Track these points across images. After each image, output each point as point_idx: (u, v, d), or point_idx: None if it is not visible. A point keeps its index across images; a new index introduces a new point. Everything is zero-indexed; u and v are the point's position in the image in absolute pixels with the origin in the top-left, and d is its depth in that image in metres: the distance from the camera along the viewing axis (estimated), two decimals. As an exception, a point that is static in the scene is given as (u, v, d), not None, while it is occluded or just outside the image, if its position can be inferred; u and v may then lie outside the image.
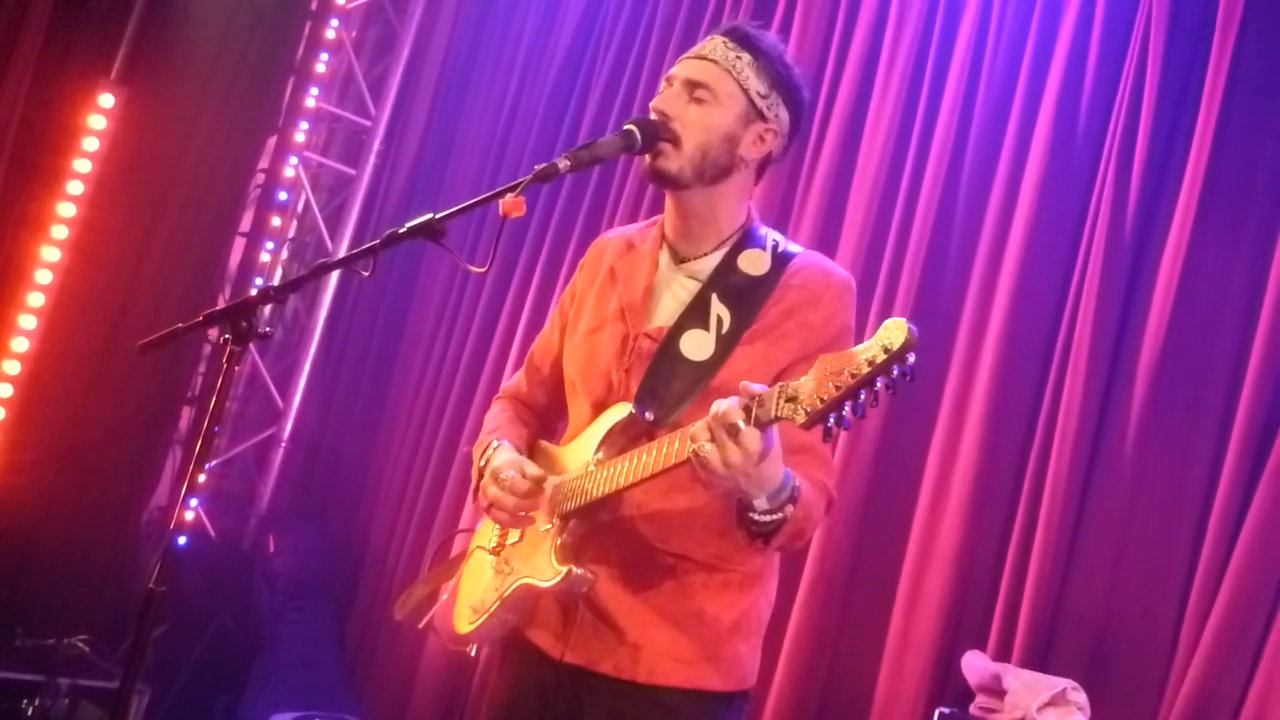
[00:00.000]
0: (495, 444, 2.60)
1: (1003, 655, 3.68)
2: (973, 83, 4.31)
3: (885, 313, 4.19)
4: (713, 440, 2.04)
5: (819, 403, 1.93)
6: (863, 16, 4.66)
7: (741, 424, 2.02)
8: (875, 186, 4.40)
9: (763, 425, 2.02)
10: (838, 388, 1.91)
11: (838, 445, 4.03)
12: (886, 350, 1.87)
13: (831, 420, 1.93)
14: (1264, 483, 3.40)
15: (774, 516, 2.18)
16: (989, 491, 3.89)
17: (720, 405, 2.05)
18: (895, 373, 1.88)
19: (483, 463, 2.59)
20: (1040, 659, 3.64)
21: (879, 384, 1.89)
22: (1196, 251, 3.71)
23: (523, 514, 2.46)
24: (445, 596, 2.77)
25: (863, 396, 1.91)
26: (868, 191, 4.41)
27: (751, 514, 2.18)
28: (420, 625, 2.86)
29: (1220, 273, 3.70)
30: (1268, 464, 3.41)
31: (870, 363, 1.88)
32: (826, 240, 4.40)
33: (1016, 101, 4.18)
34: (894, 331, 1.87)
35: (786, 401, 1.98)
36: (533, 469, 2.47)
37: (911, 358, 1.87)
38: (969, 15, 4.38)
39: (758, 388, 2.04)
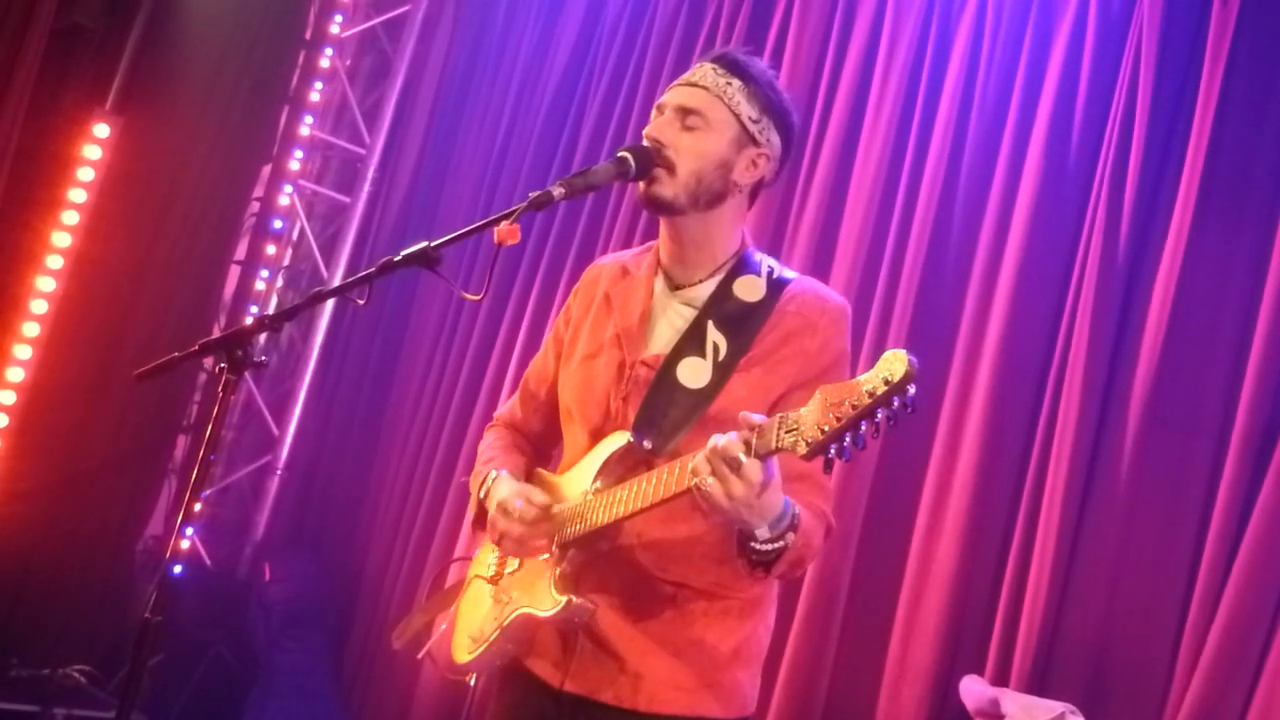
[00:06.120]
0: (494, 474, 2.60)
1: (1000, 679, 3.67)
2: (966, 102, 4.33)
3: (881, 336, 4.20)
4: (714, 474, 2.05)
5: (820, 434, 1.93)
6: (855, 40, 4.68)
7: (743, 457, 2.02)
8: (869, 210, 4.42)
9: (763, 456, 2.03)
10: (838, 419, 1.91)
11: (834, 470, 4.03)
12: (887, 382, 1.88)
13: (832, 451, 1.94)
14: (1261, 502, 3.40)
15: (775, 545, 2.18)
16: (985, 515, 3.89)
17: (720, 439, 2.05)
18: (896, 404, 1.89)
19: (482, 494, 2.59)
20: (1038, 683, 3.63)
21: (879, 415, 1.90)
22: (1190, 269, 3.72)
23: (531, 543, 2.46)
24: (444, 626, 2.76)
25: (863, 428, 1.91)
26: (861, 215, 4.42)
27: (753, 543, 2.18)
28: (419, 655, 2.85)
29: (1214, 290, 3.70)
30: (1264, 483, 3.41)
31: (871, 394, 1.89)
32: (821, 265, 4.41)
33: (1010, 122, 4.19)
34: (894, 363, 1.88)
35: (787, 433, 1.98)
36: (540, 496, 2.47)
37: (912, 389, 1.88)
38: (962, 36, 4.40)
39: (757, 418, 2.04)
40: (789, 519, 2.18)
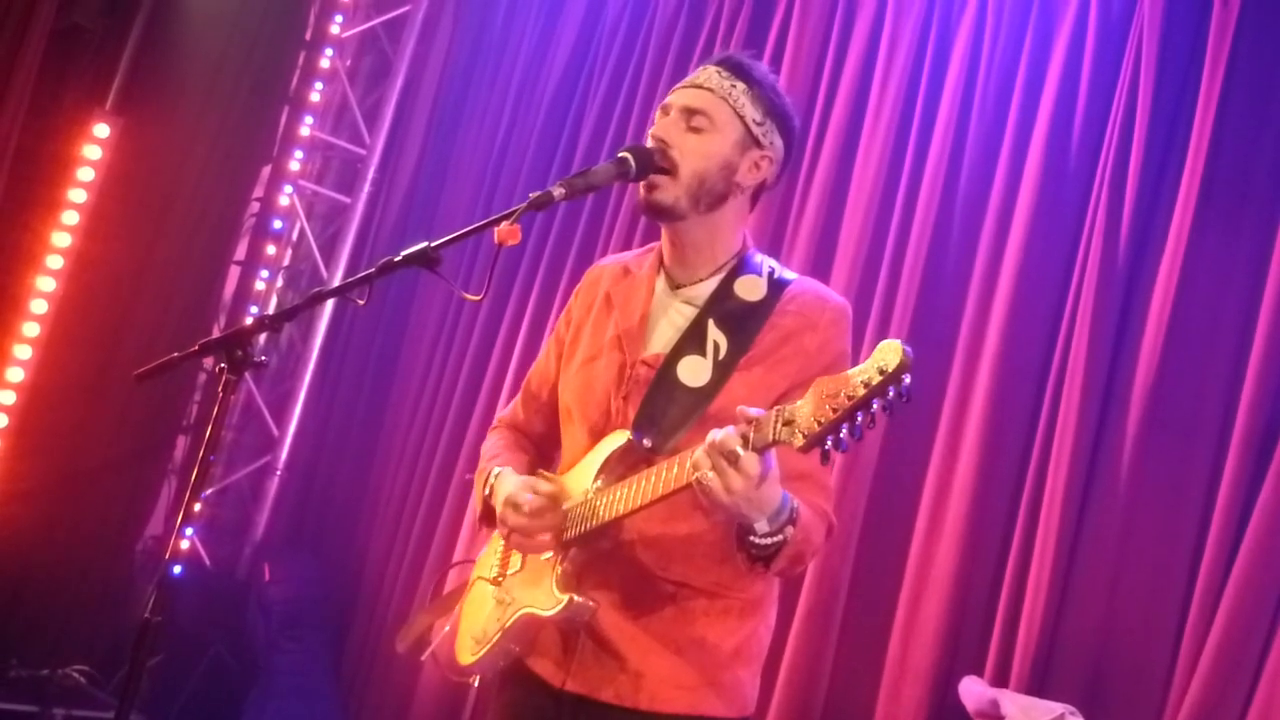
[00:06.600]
0: (496, 471, 2.61)
1: (1000, 680, 3.67)
2: (966, 103, 4.33)
3: (881, 337, 4.14)
4: (713, 468, 2.05)
5: (816, 425, 1.93)
6: (855, 41, 4.68)
7: (740, 450, 2.03)
8: (869, 211, 4.42)
9: (760, 449, 2.03)
10: (834, 410, 1.92)
11: (833, 471, 4.03)
12: (882, 372, 1.88)
13: (829, 443, 1.94)
14: (1261, 503, 3.40)
15: (774, 539, 2.19)
16: (985, 516, 3.89)
17: (717, 434, 2.06)
18: (891, 394, 1.89)
19: (487, 491, 2.60)
20: (1038, 684, 3.63)
21: (875, 406, 1.90)
22: (1190, 270, 3.72)
23: (540, 535, 2.45)
24: (447, 628, 2.77)
25: (859, 419, 1.91)
26: (861, 216, 4.42)
27: (752, 537, 2.19)
28: (423, 657, 2.85)
29: (1215, 291, 3.70)
30: (1264, 484, 3.41)
31: (866, 384, 1.89)
32: (821, 265, 4.41)
33: (1010, 122, 4.19)
34: (889, 353, 1.88)
35: (783, 425, 1.99)
36: (545, 485, 2.47)
37: (907, 379, 1.88)
38: (962, 37, 4.40)
39: (754, 412, 2.05)
40: (788, 513, 2.19)
